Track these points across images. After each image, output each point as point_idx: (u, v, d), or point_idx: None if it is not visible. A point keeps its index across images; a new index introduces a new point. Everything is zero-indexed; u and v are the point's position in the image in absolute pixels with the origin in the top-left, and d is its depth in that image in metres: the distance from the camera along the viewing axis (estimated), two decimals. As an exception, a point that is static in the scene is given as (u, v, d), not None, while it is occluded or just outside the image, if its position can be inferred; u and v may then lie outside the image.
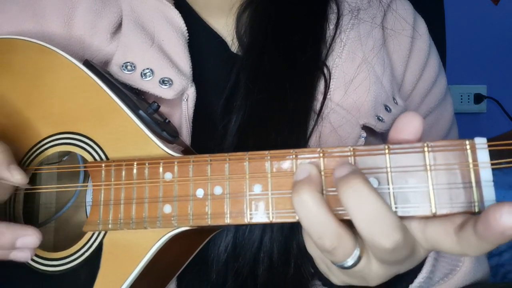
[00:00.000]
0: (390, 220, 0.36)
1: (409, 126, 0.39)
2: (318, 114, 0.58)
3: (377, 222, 0.36)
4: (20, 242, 0.44)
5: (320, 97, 0.59)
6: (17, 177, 0.46)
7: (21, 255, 0.45)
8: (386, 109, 0.61)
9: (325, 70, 0.60)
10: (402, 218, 0.38)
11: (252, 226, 0.54)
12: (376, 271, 0.40)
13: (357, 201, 0.36)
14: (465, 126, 1.83)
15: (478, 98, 1.91)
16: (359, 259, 0.39)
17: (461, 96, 1.91)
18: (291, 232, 0.55)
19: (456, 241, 0.36)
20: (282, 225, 0.54)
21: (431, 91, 0.70)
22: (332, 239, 0.37)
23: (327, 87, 0.60)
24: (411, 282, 0.50)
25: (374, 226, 0.36)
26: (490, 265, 0.62)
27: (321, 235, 0.38)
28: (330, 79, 0.60)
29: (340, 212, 0.39)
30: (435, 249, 0.40)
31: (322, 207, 0.37)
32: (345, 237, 0.38)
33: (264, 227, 0.54)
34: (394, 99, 0.63)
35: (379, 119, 0.60)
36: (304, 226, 0.38)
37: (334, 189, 0.39)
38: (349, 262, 0.39)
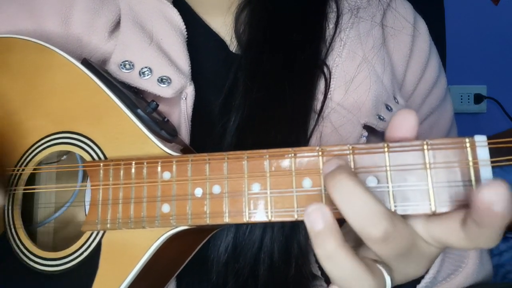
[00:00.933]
0: (376, 209, 0.35)
1: (404, 123, 0.39)
2: (319, 114, 0.58)
3: (364, 213, 0.35)
4: None
5: (320, 96, 0.59)
6: None
7: None
8: (387, 108, 0.61)
9: (325, 70, 0.60)
10: (402, 216, 0.38)
11: (252, 226, 0.54)
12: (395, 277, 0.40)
13: (344, 195, 0.36)
14: (465, 126, 1.83)
15: (478, 98, 1.91)
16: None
17: (461, 96, 1.91)
18: (292, 232, 0.54)
19: (464, 237, 0.36)
20: (283, 225, 0.54)
21: (432, 91, 0.70)
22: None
23: (327, 86, 0.59)
24: (418, 282, 0.49)
25: (362, 217, 0.36)
26: (490, 265, 0.62)
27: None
28: (330, 78, 0.60)
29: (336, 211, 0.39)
30: (446, 246, 0.39)
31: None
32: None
33: (264, 226, 0.54)
34: (395, 98, 0.63)
35: (380, 118, 0.60)
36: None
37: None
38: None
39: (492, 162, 0.36)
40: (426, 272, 0.49)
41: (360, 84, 0.60)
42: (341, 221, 0.37)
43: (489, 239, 0.36)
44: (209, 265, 0.55)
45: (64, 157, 0.57)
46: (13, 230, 0.51)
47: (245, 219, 0.42)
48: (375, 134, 0.61)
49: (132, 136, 0.48)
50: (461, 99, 1.91)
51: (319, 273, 0.57)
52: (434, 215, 0.38)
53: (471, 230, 0.35)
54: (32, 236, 0.53)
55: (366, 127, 0.60)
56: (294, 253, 0.54)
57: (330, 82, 0.60)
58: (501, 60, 1.89)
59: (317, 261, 0.50)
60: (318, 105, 0.59)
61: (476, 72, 1.91)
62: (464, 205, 0.37)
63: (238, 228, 0.54)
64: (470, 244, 0.36)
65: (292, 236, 0.54)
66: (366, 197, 0.35)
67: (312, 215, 0.36)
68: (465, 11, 1.84)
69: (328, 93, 0.59)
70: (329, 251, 0.36)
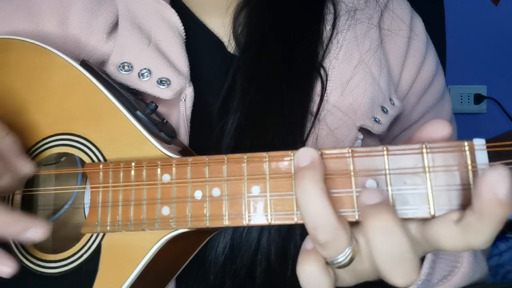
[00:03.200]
0: (412, 262, 0.36)
1: (437, 133, 0.38)
2: (315, 116, 0.58)
3: (398, 261, 0.36)
4: (29, 234, 0.44)
5: (316, 98, 0.59)
6: (28, 166, 0.47)
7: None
8: (382, 110, 0.61)
9: (322, 72, 0.60)
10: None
11: (249, 228, 0.54)
12: (370, 270, 0.40)
13: (384, 235, 0.36)
14: (465, 127, 1.82)
15: (478, 99, 1.91)
16: (351, 259, 0.39)
17: (461, 96, 1.91)
18: (288, 233, 0.54)
19: (460, 232, 0.36)
20: (279, 227, 0.54)
21: (428, 90, 0.70)
22: (325, 233, 0.37)
23: (323, 88, 0.59)
24: None
25: (394, 263, 0.36)
26: (490, 265, 0.62)
27: (316, 226, 0.37)
28: (327, 80, 0.60)
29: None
30: (436, 249, 0.39)
31: (323, 197, 0.37)
32: (340, 233, 0.37)
33: (261, 228, 0.54)
34: (391, 99, 0.63)
35: (376, 120, 0.60)
36: (302, 213, 0.38)
37: (333, 190, 0.39)
38: (340, 259, 0.38)
39: (490, 165, 0.36)
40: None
41: (356, 86, 0.60)
42: None
43: (484, 236, 0.35)
44: (207, 266, 0.55)
45: (63, 158, 0.56)
46: (12, 232, 0.51)
47: (245, 222, 0.42)
48: (370, 136, 0.61)
49: (131, 138, 0.48)
50: (461, 99, 1.91)
51: None
52: (433, 218, 0.37)
53: (468, 222, 0.35)
54: None
55: (362, 130, 0.60)
56: (291, 254, 0.55)
57: (326, 84, 0.60)
58: (501, 60, 1.89)
59: None
60: (314, 107, 0.59)
61: (476, 72, 1.91)
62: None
63: (236, 229, 0.55)
64: (463, 240, 0.36)
65: (288, 238, 0.54)
66: (407, 247, 0.36)
67: (302, 154, 0.39)
68: (465, 11, 1.84)
69: (325, 95, 0.59)
70: (305, 184, 0.37)
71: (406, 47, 0.67)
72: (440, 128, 0.38)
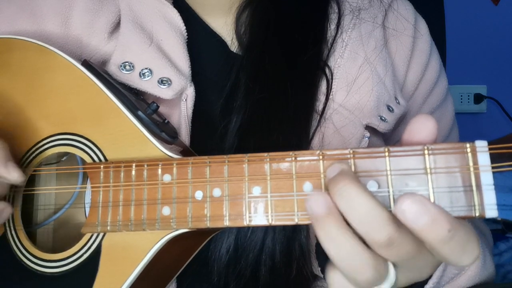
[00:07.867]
0: (379, 215, 0.35)
1: (423, 129, 0.38)
2: (321, 115, 0.58)
3: (368, 219, 0.35)
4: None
5: (322, 97, 0.59)
6: (14, 175, 0.46)
7: None
8: (388, 109, 0.61)
9: (327, 71, 0.60)
10: None
11: (254, 228, 0.54)
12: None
13: (347, 201, 0.36)
14: (465, 126, 1.82)
15: (478, 98, 1.91)
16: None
17: (461, 96, 1.91)
18: (293, 233, 0.54)
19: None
20: (284, 227, 0.54)
21: (433, 91, 0.70)
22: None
23: (329, 87, 0.59)
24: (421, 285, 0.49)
25: (366, 223, 0.36)
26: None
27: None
28: (332, 79, 0.60)
29: None
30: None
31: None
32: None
33: (266, 228, 0.54)
34: (396, 98, 0.63)
35: (382, 119, 0.60)
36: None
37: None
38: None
39: (492, 167, 0.36)
40: (430, 277, 0.49)
41: (362, 85, 0.60)
42: None
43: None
44: (210, 267, 0.55)
45: (64, 158, 0.56)
46: (13, 231, 0.51)
47: (246, 223, 0.42)
48: (376, 135, 0.61)
49: (132, 138, 0.48)
50: (461, 99, 1.90)
51: (321, 274, 0.57)
52: None
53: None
54: (32, 237, 0.53)
55: (368, 128, 0.59)
56: (296, 254, 0.54)
57: (332, 83, 0.59)
58: (501, 60, 1.89)
59: (319, 263, 0.50)
60: (320, 106, 0.59)
61: (476, 72, 1.90)
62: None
63: (240, 229, 0.54)
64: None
65: (293, 237, 0.54)
66: (369, 203, 0.35)
67: (312, 201, 0.37)
68: (465, 11, 1.84)
69: (330, 94, 0.59)
70: (330, 233, 0.36)
71: (411, 47, 0.67)
72: (426, 120, 0.38)
